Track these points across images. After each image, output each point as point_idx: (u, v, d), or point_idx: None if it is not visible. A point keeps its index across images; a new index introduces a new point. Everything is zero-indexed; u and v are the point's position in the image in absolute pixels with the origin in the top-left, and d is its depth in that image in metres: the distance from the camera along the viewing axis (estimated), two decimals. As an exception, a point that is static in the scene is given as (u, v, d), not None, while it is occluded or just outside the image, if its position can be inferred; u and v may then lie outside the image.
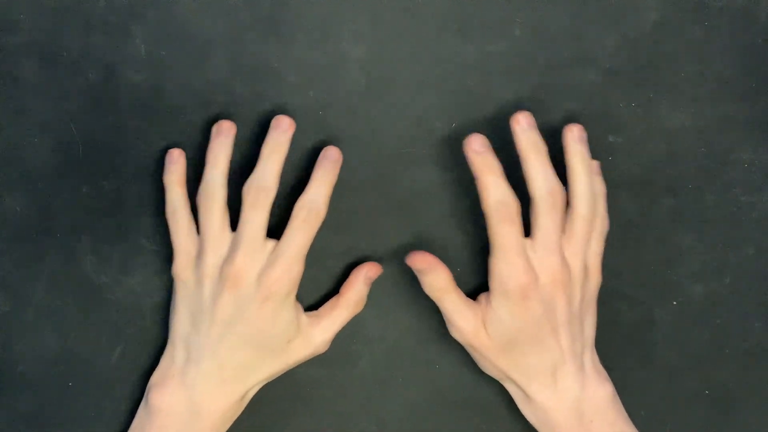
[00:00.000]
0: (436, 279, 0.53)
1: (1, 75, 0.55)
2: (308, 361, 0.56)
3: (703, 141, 0.57)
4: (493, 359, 0.53)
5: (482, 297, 0.53)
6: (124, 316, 0.56)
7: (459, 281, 0.56)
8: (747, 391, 0.57)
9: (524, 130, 0.51)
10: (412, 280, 0.56)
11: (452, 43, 0.56)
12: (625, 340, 0.57)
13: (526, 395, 0.53)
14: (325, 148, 0.53)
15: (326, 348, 0.55)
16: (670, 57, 0.56)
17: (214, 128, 0.53)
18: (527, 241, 0.51)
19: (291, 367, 0.54)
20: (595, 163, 0.55)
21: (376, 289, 0.56)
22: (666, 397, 0.57)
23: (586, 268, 0.52)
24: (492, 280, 0.51)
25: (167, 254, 0.56)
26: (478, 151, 0.51)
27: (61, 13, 0.55)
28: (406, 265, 0.56)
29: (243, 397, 0.53)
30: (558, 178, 0.51)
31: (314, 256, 0.56)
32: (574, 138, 0.52)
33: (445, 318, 0.53)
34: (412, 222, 0.56)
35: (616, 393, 0.53)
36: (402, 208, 0.56)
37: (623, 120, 0.56)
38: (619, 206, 0.56)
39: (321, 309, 0.55)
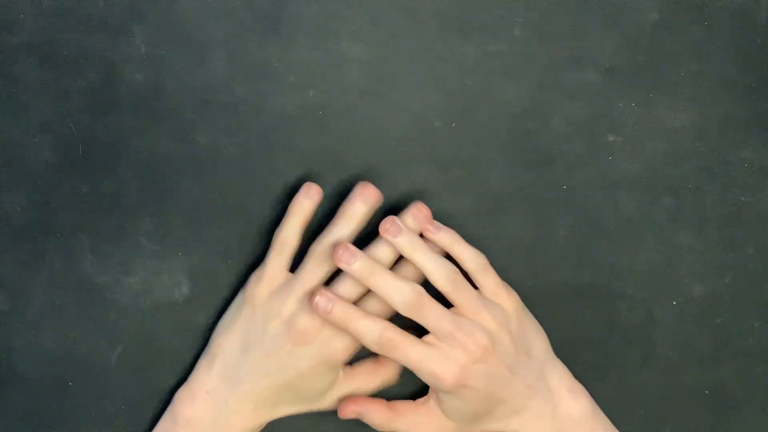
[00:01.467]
0: (375, 417, 0.54)
1: (1, 75, 0.55)
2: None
3: (703, 141, 0.57)
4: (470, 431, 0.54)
5: (431, 392, 0.54)
6: (124, 316, 0.56)
7: (459, 281, 0.56)
8: (747, 391, 0.57)
9: (396, 235, 0.52)
10: (412, 280, 0.56)
11: (452, 43, 0.56)
12: (625, 340, 0.57)
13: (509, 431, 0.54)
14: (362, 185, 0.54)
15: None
16: (670, 57, 0.56)
17: (305, 188, 0.54)
18: (429, 338, 0.51)
19: (314, 411, 0.55)
20: (423, 215, 0.53)
21: (376, 289, 0.56)
22: (666, 397, 0.57)
23: (492, 306, 0.52)
24: (432, 387, 0.53)
25: (167, 254, 0.56)
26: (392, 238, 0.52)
27: (61, 13, 0.55)
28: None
29: (261, 425, 0.55)
30: (449, 264, 0.52)
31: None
32: (388, 236, 0.52)
33: None
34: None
35: (594, 405, 0.54)
36: (402, 208, 0.56)
37: (623, 120, 0.56)
38: (619, 206, 0.56)
39: (357, 369, 0.55)
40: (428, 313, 0.51)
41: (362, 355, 0.55)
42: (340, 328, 0.51)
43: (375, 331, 0.51)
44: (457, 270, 0.52)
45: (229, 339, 0.53)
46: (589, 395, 0.54)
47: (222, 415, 0.53)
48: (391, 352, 0.51)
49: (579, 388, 0.54)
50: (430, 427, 0.54)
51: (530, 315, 0.55)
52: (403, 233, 0.52)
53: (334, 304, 0.51)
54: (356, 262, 0.51)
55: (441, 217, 0.56)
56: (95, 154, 0.56)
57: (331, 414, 0.55)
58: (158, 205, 0.55)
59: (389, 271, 0.51)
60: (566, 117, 0.56)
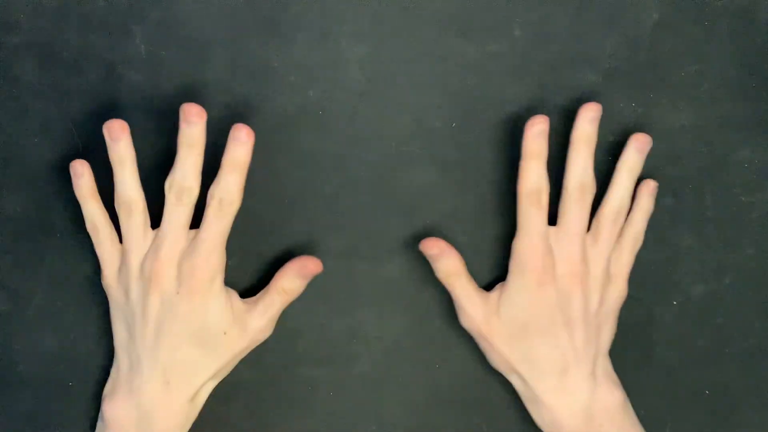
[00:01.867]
0: (448, 264, 0.53)
1: (1, 75, 0.55)
2: (308, 361, 0.56)
3: (703, 141, 0.57)
4: (503, 348, 0.53)
5: (498, 286, 0.54)
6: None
7: (459, 281, 0.56)
8: (747, 391, 0.57)
9: (589, 120, 0.52)
10: (411, 280, 0.56)
11: (452, 43, 0.56)
12: (625, 340, 0.57)
13: (534, 394, 0.52)
14: (233, 127, 0.51)
15: (269, 333, 0.54)
16: (670, 57, 0.56)
17: (106, 133, 0.51)
18: (552, 229, 0.52)
19: (236, 360, 0.53)
20: (653, 184, 0.55)
21: (375, 288, 0.56)
22: (666, 397, 0.57)
23: (609, 274, 0.53)
24: (511, 261, 0.52)
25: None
26: (535, 135, 0.51)
27: (61, 13, 0.55)
28: (405, 266, 0.56)
29: (193, 398, 0.52)
30: (594, 177, 0.52)
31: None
32: (634, 148, 0.53)
33: (456, 305, 0.54)
34: (412, 222, 0.56)
35: (627, 400, 0.53)
36: (402, 208, 0.56)
37: (623, 120, 0.56)
38: (619, 206, 0.56)
39: (257, 295, 0.54)
40: (581, 208, 0.52)
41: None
42: (524, 157, 0.51)
43: (539, 182, 0.51)
44: (594, 191, 0.53)
45: (117, 333, 0.53)
46: (624, 391, 0.53)
47: (142, 405, 0.51)
48: (528, 205, 0.51)
49: (618, 382, 0.54)
50: (479, 312, 0.53)
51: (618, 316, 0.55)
52: (593, 125, 0.52)
53: (538, 137, 0.52)
54: (591, 127, 0.52)
55: (441, 217, 0.56)
56: (95, 154, 0.56)
57: (333, 413, 0.55)
58: (158, 205, 0.55)
59: (592, 158, 0.52)
60: (566, 117, 0.56)
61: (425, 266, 0.56)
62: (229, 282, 0.55)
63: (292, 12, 0.55)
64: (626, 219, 0.54)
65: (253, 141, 0.51)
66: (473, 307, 0.53)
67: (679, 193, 0.57)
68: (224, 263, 0.52)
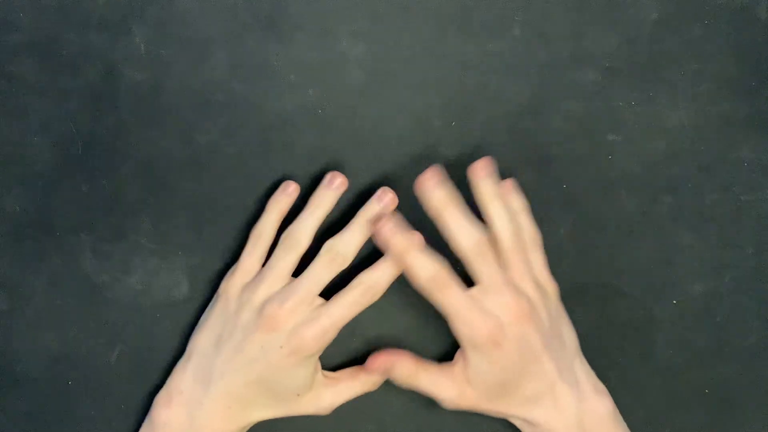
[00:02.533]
0: (402, 370, 0.53)
1: (1, 75, 0.55)
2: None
3: (703, 140, 0.57)
4: (489, 408, 0.53)
5: (458, 355, 0.54)
6: (124, 316, 0.56)
7: (459, 281, 0.56)
8: (747, 391, 0.57)
9: (432, 189, 0.51)
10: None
11: (452, 42, 0.56)
12: (625, 340, 0.57)
13: (531, 423, 0.53)
14: (376, 199, 0.54)
15: (329, 412, 0.55)
16: (670, 57, 0.56)
17: (327, 177, 0.54)
18: (473, 290, 0.51)
19: (292, 415, 0.54)
20: (508, 182, 0.55)
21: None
22: (666, 397, 0.57)
23: (539, 285, 0.53)
24: (460, 342, 0.52)
25: (167, 253, 0.56)
26: (401, 236, 0.51)
27: (61, 13, 0.55)
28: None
29: (243, 428, 0.54)
30: (476, 224, 0.51)
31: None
32: (477, 176, 0.53)
33: (434, 399, 0.54)
34: (412, 222, 0.56)
35: (615, 407, 0.53)
36: (402, 208, 0.56)
37: (623, 120, 0.56)
38: (619, 206, 0.56)
39: (340, 373, 0.55)
40: (487, 262, 0.51)
41: (338, 363, 0.55)
42: (395, 258, 0.51)
43: (430, 268, 0.50)
44: (485, 236, 0.52)
45: (204, 336, 0.53)
46: (611, 399, 0.53)
47: (197, 417, 0.52)
48: (436, 293, 0.50)
49: (603, 387, 0.53)
50: (452, 392, 0.53)
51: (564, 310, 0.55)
52: (440, 188, 0.51)
53: (397, 233, 0.51)
54: (438, 191, 0.51)
55: (441, 216, 0.56)
56: (95, 154, 0.56)
57: (332, 413, 0.55)
58: (158, 204, 0.55)
59: (464, 211, 0.51)
60: (566, 117, 0.56)
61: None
62: (229, 281, 0.55)
63: (292, 11, 0.56)
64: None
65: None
66: (444, 391, 0.53)
67: (679, 192, 0.57)
68: (331, 340, 0.52)
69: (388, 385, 0.56)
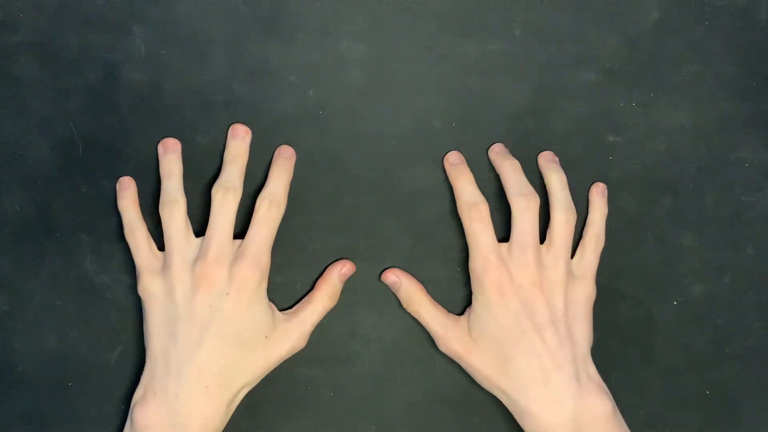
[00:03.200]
0: (410, 291, 0.55)
1: (1, 75, 0.55)
2: (308, 361, 0.56)
3: (703, 141, 0.57)
4: (481, 366, 0.53)
5: (467, 309, 0.55)
6: (124, 316, 0.56)
7: (459, 281, 0.56)
8: (747, 391, 0.57)
9: (498, 152, 0.56)
10: (412, 280, 0.56)
11: (452, 42, 0.56)
12: (625, 340, 0.57)
13: (520, 407, 0.52)
14: (279, 148, 0.56)
15: (304, 342, 0.55)
16: (670, 57, 0.56)
17: (161, 147, 0.55)
18: (504, 245, 0.54)
19: (272, 367, 0.54)
20: (602, 186, 0.56)
21: (374, 289, 0.56)
22: (666, 397, 0.57)
23: (573, 276, 0.54)
24: (472, 280, 0.54)
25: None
26: (454, 163, 0.56)
27: (61, 13, 0.55)
28: (405, 266, 0.56)
29: (229, 403, 0.52)
30: (531, 187, 0.54)
31: (314, 256, 0.56)
32: (547, 159, 0.56)
33: (429, 332, 0.55)
34: (412, 222, 0.56)
35: (616, 408, 0.53)
36: (402, 208, 0.56)
37: (623, 120, 0.56)
38: (619, 206, 0.56)
39: (295, 306, 0.56)
40: (529, 219, 0.54)
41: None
42: (448, 169, 0.56)
43: (476, 197, 0.54)
44: (538, 200, 0.54)
45: (154, 336, 0.52)
46: (612, 399, 0.53)
47: (178, 411, 0.51)
48: (470, 220, 0.53)
49: (605, 388, 0.53)
50: (452, 333, 0.55)
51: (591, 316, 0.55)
52: (506, 152, 0.56)
53: (461, 162, 0.56)
54: (505, 152, 0.56)
55: (441, 217, 0.56)
56: (95, 154, 0.56)
57: (332, 413, 0.55)
58: (158, 205, 0.55)
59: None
60: (566, 117, 0.56)
61: (424, 266, 0.56)
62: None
63: (292, 12, 0.55)
64: (585, 221, 0.56)
65: (294, 155, 0.56)
66: (444, 329, 0.55)
67: (679, 193, 0.57)
68: (269, 266, 0.53)
69: (389, 386, 0.56)
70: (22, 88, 0.55)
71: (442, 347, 0.55)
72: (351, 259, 0.56)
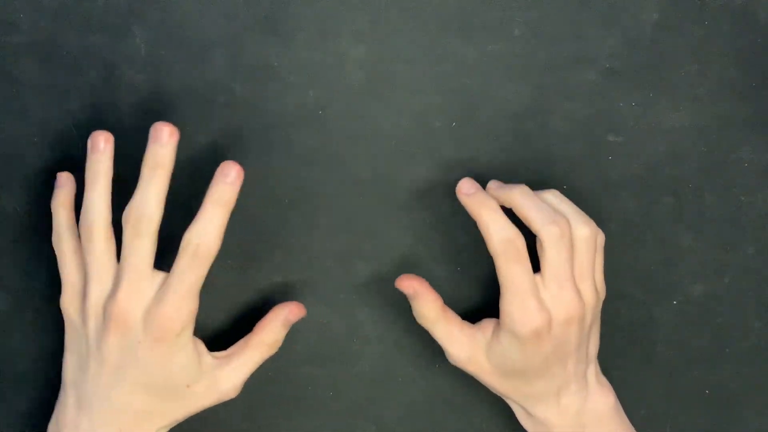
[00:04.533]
0: (425, 307, 0.51)
1: (1, 75, 0.55)
2: (308, 361, 0.56)
3: (703, 141, 0.57)
4: (493, 384, 0.52)
5: (488, 324, 0.51)
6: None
7: (459, 282, 0.56)
8: (747, 391, 0.57)
9: (498, 186, 0.51)
10: (412, 280, 0.56)
11: (452, 43, 0.56)
12: (625, 340, 0.57)
13: (528, 413, 0.52)
14: (222, 164, 0.47)
15: (236, 393, 0.50)
16: (670, 57, 0.56)
17: (89, 143, 0.48)
18: (537, 277, 0.49)
19: (197, 412, 0.50)
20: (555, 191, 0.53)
21: (374, 289, 0.56)
22: (666, 397, 0.57)
23: (595, 288, 0.51)
24: (503, 318, 0.49)
25: (167, 254, 0.56)
26: (469, 192, 0.50)
27: (61, 13, 0.55)
28: (405, 266, 0.56)
29: None
30: (555, 210, 0.50)
31: (314, 257, 0.56)
32: (522, 190, 0.50)
33: (442, 348, 0.52)
34: (412, 222, 0.56)
35: (618, 402, 0.53)
36: (402, 208, 0.56)
37: (623, 120, 0.56)
38: (619, 206, 0.56)
39: (231, 349, 0.51)
40: (561, 251, 0.48)
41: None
42: (475, 216, 0.49)
43: (509, 232, 0.48)
44: (569, 223, 0.50)
45: (68, 364, 0.49)
46: (614, 392, 0.53)
47: None
48: (505, 261, 0.48)
49: (607, 383, 0.53)
50: (464, 353, 0.51)
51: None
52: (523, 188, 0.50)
53: (478, 190, 0.49)
54: (476, 192, 0.49)
55: (441, 217, 0.56)
56: (95, 154, 0.55)
57: (332, 413, 0.55)
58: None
59: (499, 209, 0.49)
60: (566, 117, 0.56)
61: (424, 266, 0.56)
62: (228, 287, 0.55)
63: (292, 12, 0.55)
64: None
65: (241, 181, 0.47)
66: (457, 349, 0.51)
67: (679, 193, 0.57)
68: (195, 312, 0.47)
69: (388, 385, 0.56)
70: (22, 88, 0.55)
71: (450, 359, 0.52)
72: (351, 259, 0.56)
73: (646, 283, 0.57)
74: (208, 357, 0.49)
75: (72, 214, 0.51)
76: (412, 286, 0.51)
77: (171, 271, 0.47)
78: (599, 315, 0.53)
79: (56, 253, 0.50)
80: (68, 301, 0.49)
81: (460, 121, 0.56)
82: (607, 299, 0.56)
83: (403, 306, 0.56)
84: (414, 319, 0.56)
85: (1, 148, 0.55)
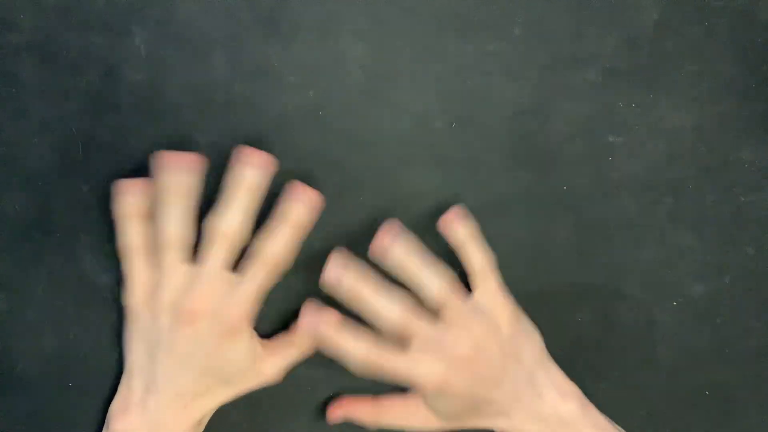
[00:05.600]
0: (362, 416, 0.55)
1: (1, 75, 0.55)
2: (308, 361, 0.56)
3: (703, 141, 0.57)
4: (457, 426, 0.54)
5: (408, 397, 0.56)
6: (123, 316, 0.56)
7: (459, 282, 0.56)
8: (747, 391, 0.57)
9: (391, 247, 0.53)
10: (412, 280, 0.56)
11: (452, 42, 0.56)
12: (625, 340, 0.57)
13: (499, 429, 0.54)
14: (299, 188, 0.53)
15: (277, 380, 0.55)
16: (670, 57, 0.56)
17: (177, 161, 0.52)
18: (414, 346, 0.52)
19: (244, 393, 0.55)
20: (454, 211, 0.54)
21: (376, 289, 0.56)
22: (666, 397, 0.57)
23: (486, 316, 0.53)
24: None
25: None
26: (336, 286, 0.52)
27: (61, 13, 0.55)
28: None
29: (200, 420, 0.54)
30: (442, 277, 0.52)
31: (314, 256, 0.56)
32: (387, 246, 0.53)
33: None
34: (412, 222, 0.56)
35: (584, 406, 0.53)
36: (402, 209, 0.56)
37: (623, 120, 0.56)
38: (620, 207, 0.56)
39: (277, 342, 0.55)
40: (416, 327, 0.52)
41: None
42: (326, 348, 0.52)
43: (359, 351, 0.51)
44: (452, 277, 0.53)
45: (134, 353, 0.53)
46: (581, 396, 0.53)
47: (155, 423, 0.52)
48: (376, 372, 0.52)
49: (570, 389, 0.53)
50: (418, 420, 0.55)
51: (524, 319, 0.54)
52: (397, 245, 0.52)
53: (314, 321, 0.52)
54: (346, 281, 0.52)
55: (441, 217, 0.56)
56: (95, 154, 0.56)
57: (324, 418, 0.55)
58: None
59: (378, 289, 0.52)
60: (566, 117, 0.56)
61: (425, 266, 0.56)
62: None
63: (292, 12, 0.55)
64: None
65: (318, 204, 0.53)
66: (411, 422, 0.55)
67: (679, 193, 0.57)
68: (257, 309, 0.53)
69: (389, 386, 0.56)
70: (22, 88, 0.55)
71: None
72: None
73: (646, 283, 0.57)
74: (259, 347, 0.54)
75: (142, 222, 0.53)
76: (338, 416, 0.56)
77: (244, 275, 0.52)
78: (516, 325, 0.53)
79: (126, 259, 0.53)
80: (137, 300, 0.53)
81: (460, 121, 0.56)
82: (607, 299, 0.56)
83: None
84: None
85: (1, 148, 0.55)
